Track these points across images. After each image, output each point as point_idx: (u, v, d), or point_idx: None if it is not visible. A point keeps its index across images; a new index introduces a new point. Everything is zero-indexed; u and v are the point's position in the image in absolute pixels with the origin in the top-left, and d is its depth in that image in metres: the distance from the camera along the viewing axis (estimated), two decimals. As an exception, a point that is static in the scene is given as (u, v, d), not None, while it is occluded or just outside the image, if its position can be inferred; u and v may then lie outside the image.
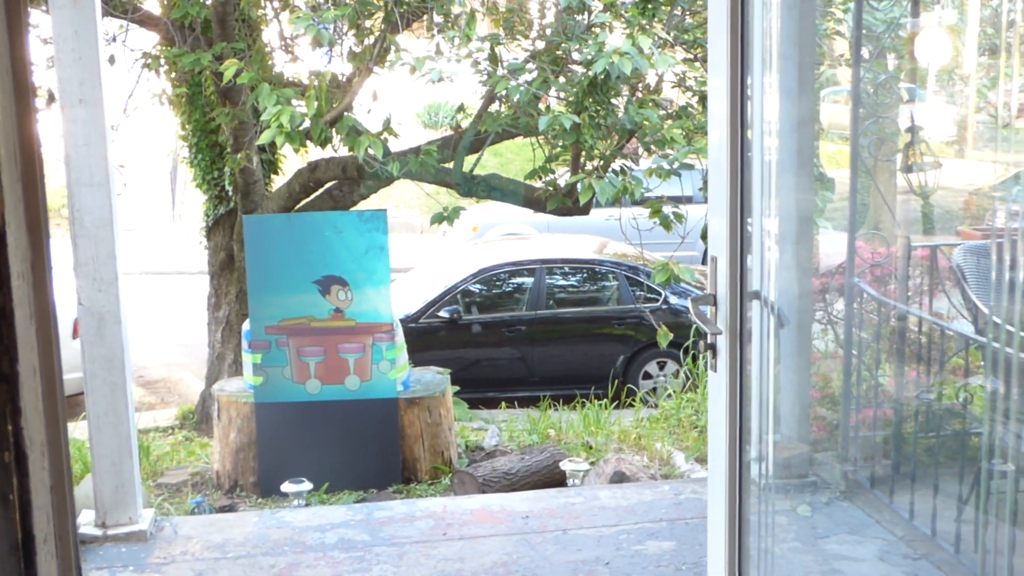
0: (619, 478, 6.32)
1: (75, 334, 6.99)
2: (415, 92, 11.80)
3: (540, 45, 8.94)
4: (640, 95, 8.66)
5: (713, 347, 2.91)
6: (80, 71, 5.05)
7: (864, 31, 5.04)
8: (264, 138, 7.28)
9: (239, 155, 8.55)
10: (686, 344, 9.48)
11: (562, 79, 8.26)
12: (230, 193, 9.66)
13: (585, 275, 11.41)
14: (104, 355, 5.34)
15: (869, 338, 5.34)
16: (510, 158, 18.82)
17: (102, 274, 5.28)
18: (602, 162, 8.22)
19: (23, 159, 1.41)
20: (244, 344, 7.14)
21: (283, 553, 5.32)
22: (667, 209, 8.17)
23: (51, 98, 6.07)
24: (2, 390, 1.26)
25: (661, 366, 10.53)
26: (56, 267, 1.50)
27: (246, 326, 7.12)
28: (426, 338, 10.45)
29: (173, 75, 9.33)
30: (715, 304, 2.89)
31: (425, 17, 9.00)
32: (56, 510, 1.43)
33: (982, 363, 4.31)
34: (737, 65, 2.82)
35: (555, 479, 6.71)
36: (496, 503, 5.87)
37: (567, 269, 11.37)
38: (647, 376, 10.55)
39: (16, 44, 1.38)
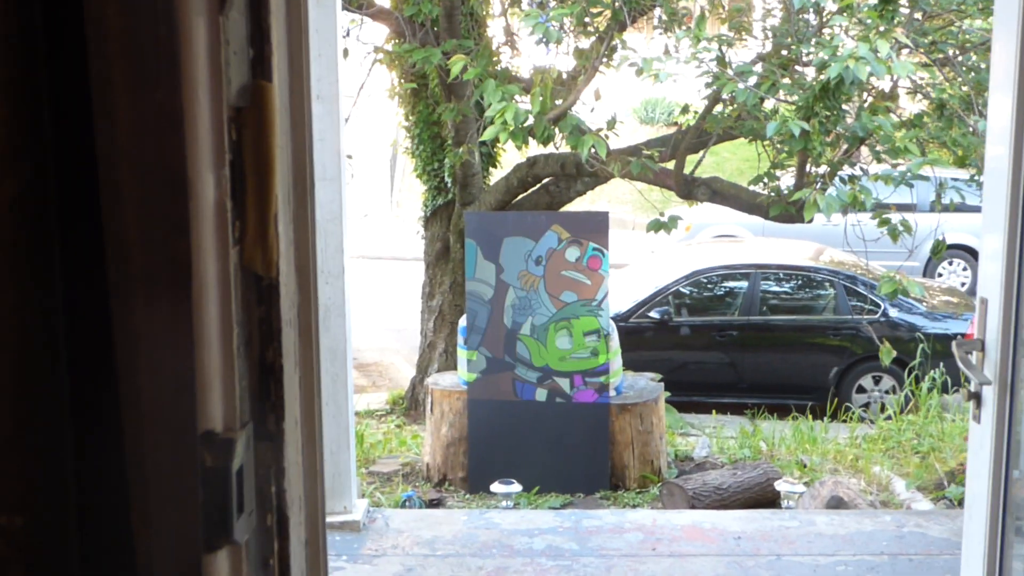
0: (836, 503, 6.03)
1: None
2: (633, 87, 11.62)
3: (767, 46, 8.66)
4: (872, 101, 8.27)
5: (977, 396, 2.66)
6: (319, 68, 5.09)
7: None
8: (487, 135, 7.25)
9: (461, 149, 8.57)
10: (911, 364, 9.05)
11: (787, 80, 7.95)
12: (449, 185, 9.71)
13: (800, 282, 11.01)
14: (328, 346, 5.39)
15: None
16: (726, 157, 18.43)
17: (330, 267, 5.33)
18: (829, 170, 7.87)
19: (296, 195, 1.33)
20: (460, 340, 7.14)
21: (491, 555, 5.27)
22: (895, 218, 7.78)
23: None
24: (267, 450, 1.18)
25: (876, 380, 10.07)
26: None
27: (463, 322, 7.11)
28: (634, 338, 10.27)
29: (402, 67, 9.43)
30: (983, 350, 2.64)
31: (651, 13, 8.84)
32: (309, 564, 1.35)
33: None
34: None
35: (767, 498, 6.46)
36: (707, 520, 5.68)
37: (782, 275, 11.00)
38: (861, 390, 10.11)
39: (295, 54, 1.29)
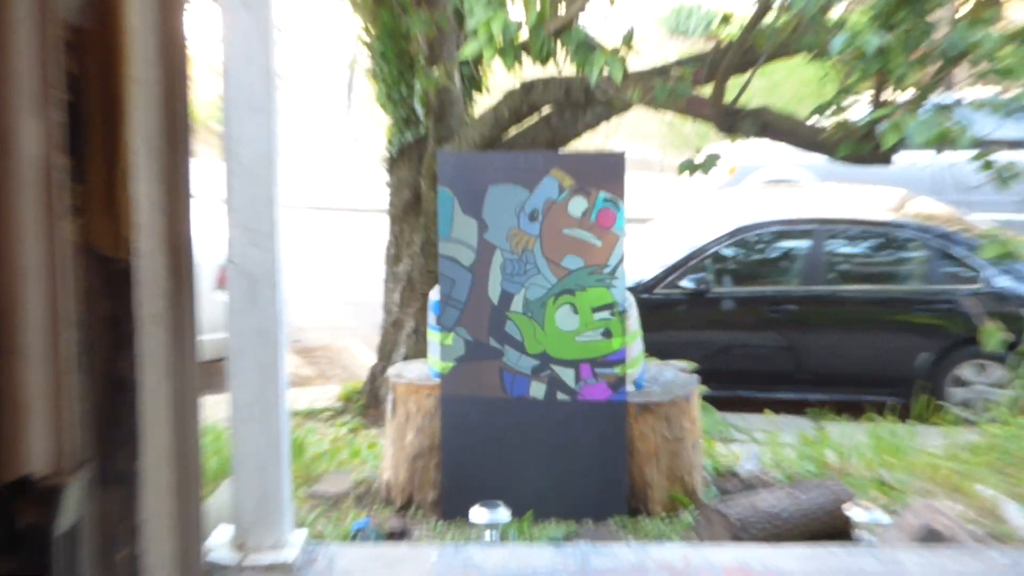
0: (929, 535, 6.02)
1: (221, 283, 7.02)
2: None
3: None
4: (970, 9, 8.20)
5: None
6: (244, -35, 5.02)
7: None
8: (468, 51, 7.19)
9: (436, 70, 8.50)
10: (1022, 348, 9.04)
11: (860, -19, 7.88)
12: (421, 116, 9.65)
13: (879, 242, 11.00)
14: (255, 327, 5.34)
15: None
16: (780, 80, 18.39)
17: (258, 224, 5.27)
18: (915, 96, 7.81)
19: (167, 145, 1.24)
20: (431, 318, 7.09)
21: (470, 605, 5.24)
22: (1002, 158, 7.74)
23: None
24: (116, 498, 1.10)
25: (981, 370, 10.06)
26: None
27: (434, 295, 7.06)
28: (662, 313, 10.27)
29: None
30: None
31: None
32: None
33: None
34: None
35: (836, 528, 6.45)
36: (756, 558, 5.65)
37: (854, 233, 10.97)
38: (960, 382, 10.10)
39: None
